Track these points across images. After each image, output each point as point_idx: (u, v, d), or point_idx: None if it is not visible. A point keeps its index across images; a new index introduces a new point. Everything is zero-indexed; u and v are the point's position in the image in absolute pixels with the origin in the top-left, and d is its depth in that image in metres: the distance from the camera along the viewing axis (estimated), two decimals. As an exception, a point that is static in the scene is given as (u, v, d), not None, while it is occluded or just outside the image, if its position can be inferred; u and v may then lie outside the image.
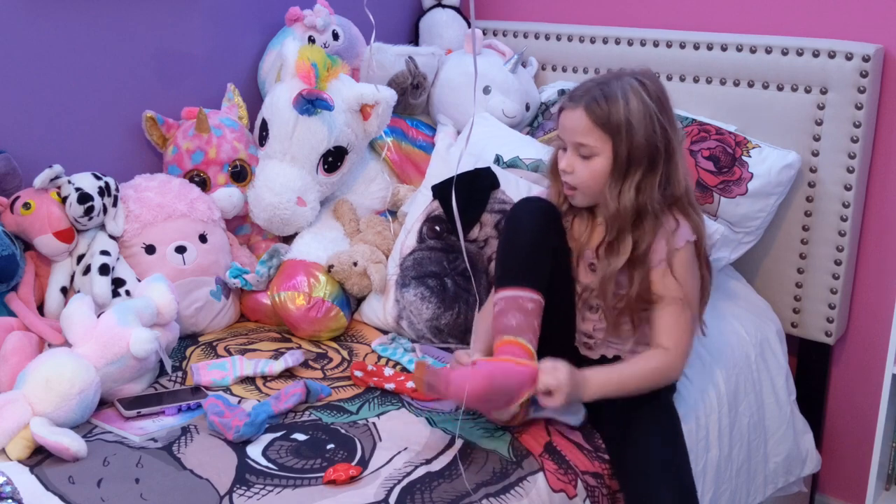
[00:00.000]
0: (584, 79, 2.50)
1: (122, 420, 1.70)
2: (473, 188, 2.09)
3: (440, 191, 2.12)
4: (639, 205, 1.67)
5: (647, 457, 1.64)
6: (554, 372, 1.58)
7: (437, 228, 2.12)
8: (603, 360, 1.78)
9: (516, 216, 1.76)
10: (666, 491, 1.59)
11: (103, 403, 1.74)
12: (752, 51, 2.25)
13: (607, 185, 1.69)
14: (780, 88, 2.24)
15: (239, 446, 1.61)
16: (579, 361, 1.72)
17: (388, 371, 1.90)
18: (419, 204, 2.21)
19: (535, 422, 1.71)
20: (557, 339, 1.75)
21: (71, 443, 1.56)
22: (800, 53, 2.19)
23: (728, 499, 2.01)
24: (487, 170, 2.13)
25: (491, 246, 2.03)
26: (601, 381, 1.65)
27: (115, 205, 2.03)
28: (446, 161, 2.25)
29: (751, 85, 2.28)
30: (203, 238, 2.11)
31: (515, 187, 2.11)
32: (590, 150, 1.68)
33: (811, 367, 2.37)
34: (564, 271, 1.76)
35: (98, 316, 1.80)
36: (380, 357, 2.02)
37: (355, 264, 2.12)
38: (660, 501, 1.58)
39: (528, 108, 2.52)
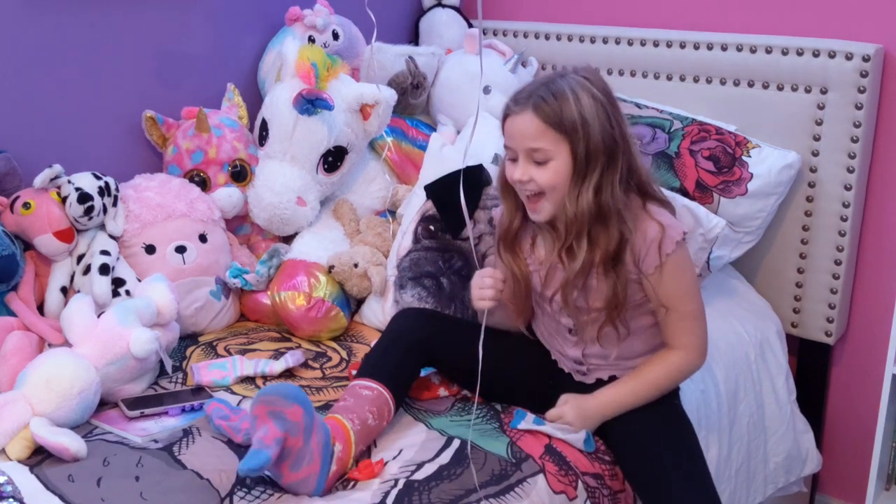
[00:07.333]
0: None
1: (123, 420, 1.70)
2: (466, 186, 2.07)
3: (433, 191, 2.11)
4: (600, 205, 1.56)
5: (664, 468, 1.60)
6: (560, 409, 1.68)
7: (432, 228, 2.11)
8: (599, 384, 1.73)
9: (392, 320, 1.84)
10: (689, 498, 1.58)
11: (103, 404, 1.74)
12: (752, 51, 2.25)
13: (567, 188, 1.58)
14: (780, 88, 2.24)
15: (240, 448, 1.61)
16: (577, 389, 1.73)
17: (387, 371, 1.90)
18: (413, 205, 2.21)
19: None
20: (540, 372, 1.79)
21: (71, 443, 1.55)
22: (800, 53, 2.19)
23: (728, 499, 2.01)
24: (479, 167, 2.12)
25: (485, 242, 2.03)
26: (610, 398, 1.68)
27: (115, 205, 2.03)
28: (440, 161, 2.25)
29: (751, 85, 2.28)
30: (203, 238, 2.11)
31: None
32: (544, 155, 1.56)
33: (811, 367, 2.37)
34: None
35: (98, 316, 1.80)
36: (380, 357, 2.02)
37: (356, 266, 2.12)
38: None
39: (528, 107, 2.51)
